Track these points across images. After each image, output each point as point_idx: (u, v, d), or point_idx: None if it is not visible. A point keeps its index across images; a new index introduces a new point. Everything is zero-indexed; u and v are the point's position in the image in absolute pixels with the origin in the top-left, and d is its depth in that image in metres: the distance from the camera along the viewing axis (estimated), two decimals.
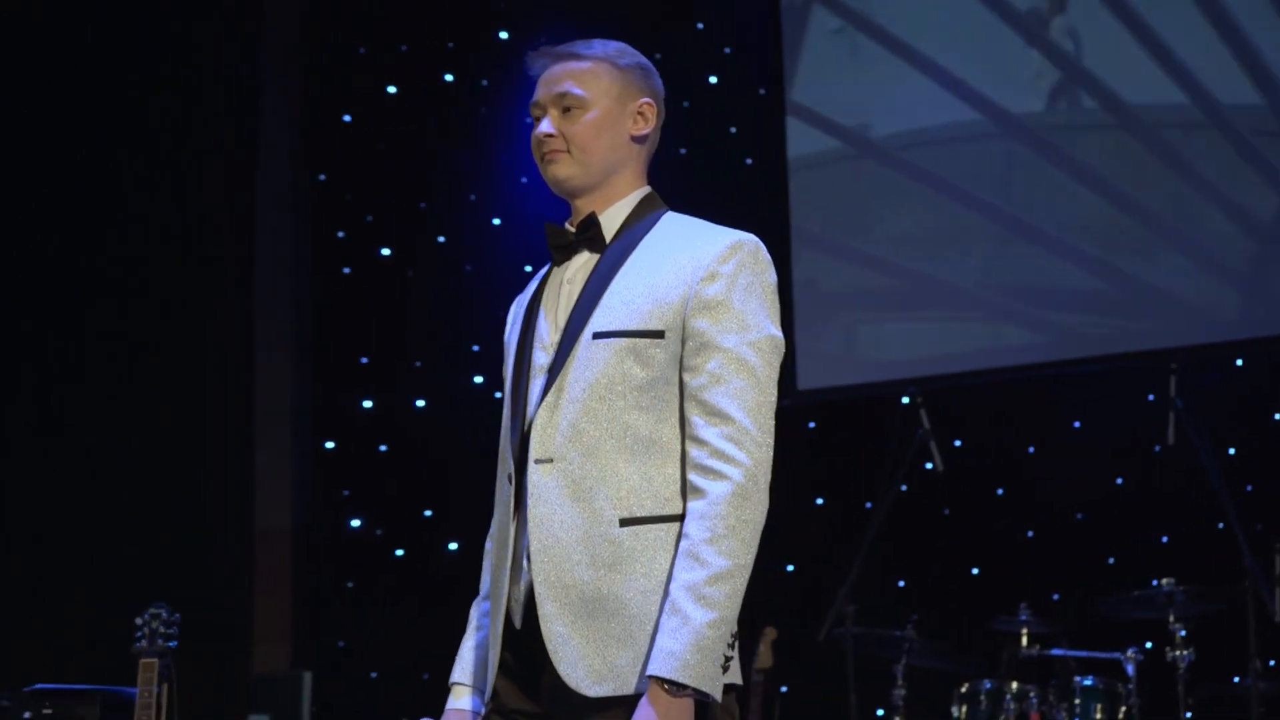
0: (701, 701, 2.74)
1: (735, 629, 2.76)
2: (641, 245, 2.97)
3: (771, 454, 2.82)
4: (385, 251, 8.35)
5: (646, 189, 3.10)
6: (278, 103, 8.38)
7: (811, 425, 7.94)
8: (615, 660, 2.79)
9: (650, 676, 2.71)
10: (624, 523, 2.82)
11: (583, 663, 2.79)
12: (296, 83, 8.52)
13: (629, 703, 2.76)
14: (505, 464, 2.96)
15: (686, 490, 2.83)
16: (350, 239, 8.38)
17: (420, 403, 8.26)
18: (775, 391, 2.87)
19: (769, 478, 2.81)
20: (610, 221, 3.03)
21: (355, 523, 8.18)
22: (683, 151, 8.20)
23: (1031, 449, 7.65)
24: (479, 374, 8.25)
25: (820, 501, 7.81)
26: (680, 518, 2.83)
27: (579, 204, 3.05)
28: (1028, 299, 7.49)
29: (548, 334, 2.98)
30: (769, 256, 2.95)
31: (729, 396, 2.81)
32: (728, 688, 2.80)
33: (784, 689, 7.51)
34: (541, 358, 2.96)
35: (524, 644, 2.89)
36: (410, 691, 8.06)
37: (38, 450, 7.22)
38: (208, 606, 7.30)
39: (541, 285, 3.08)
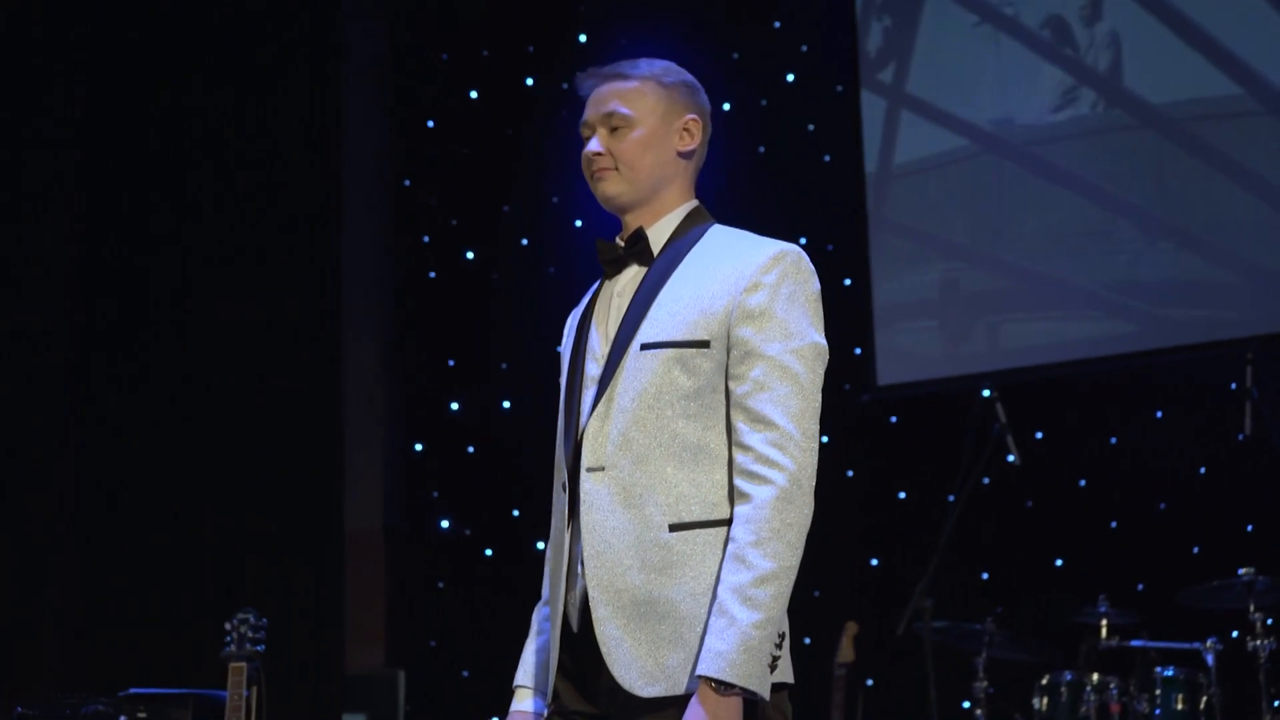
0: (751, 700, 2.82)
1: (783, 629, 2.85)
2: (688, 258, 3.05)
3: (816, 459, 2.89)
4: (469, 255, 8.46)
5: (694, 203, 3.17)
6: (364, 111, 8.50)
7: (894, 420, 7.95)
8: (666, 661, 2.88)
9: (699, 676, 2.80)
10: (673, 528, 2.90)
11: (635, 664, 2.89)
12: (382, 90, 8.64)
13: (681, 702, 2.85)
14: (560, 472, 3.06)
15: (733, 495, 2.91)
16: (435, 243, 8.50)
17: (506, 404, 8.36)
18: (819, 398, 2.94)
19: (814, 482, 2.89)
20: (658, 235, 3.11)
21: (445, 523, 8.29)
22: (761, 150, 8.25)
23: (1114, 440, 7.63)
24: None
25: (903, 495, 7.82)
26: (728, 522, 2.91)
27: (628, 219, 3.14)
28: (1108, 290, 7.48)
29: (599, 345, 3.07)
30: (811, 266, 3.01)
31: (773, 403, 2.88)
32: (778, 687, 2.89)
33: (869, 682, 7.56)
34: (593, 369, 3.06)
35: (581, 647, 2.99)
36: (502, 689, 8.12)
37: (129, 457, 7.37)
38: (300, 609, 7.45)
39: (594, 298, 3.17)
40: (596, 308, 3.14)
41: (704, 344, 2.94)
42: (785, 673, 2.91)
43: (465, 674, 8.11)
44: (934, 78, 7.97)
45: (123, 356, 7.54)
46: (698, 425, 2.93)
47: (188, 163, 7.77)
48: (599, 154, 3.09)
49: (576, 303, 8.08)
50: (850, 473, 7.94)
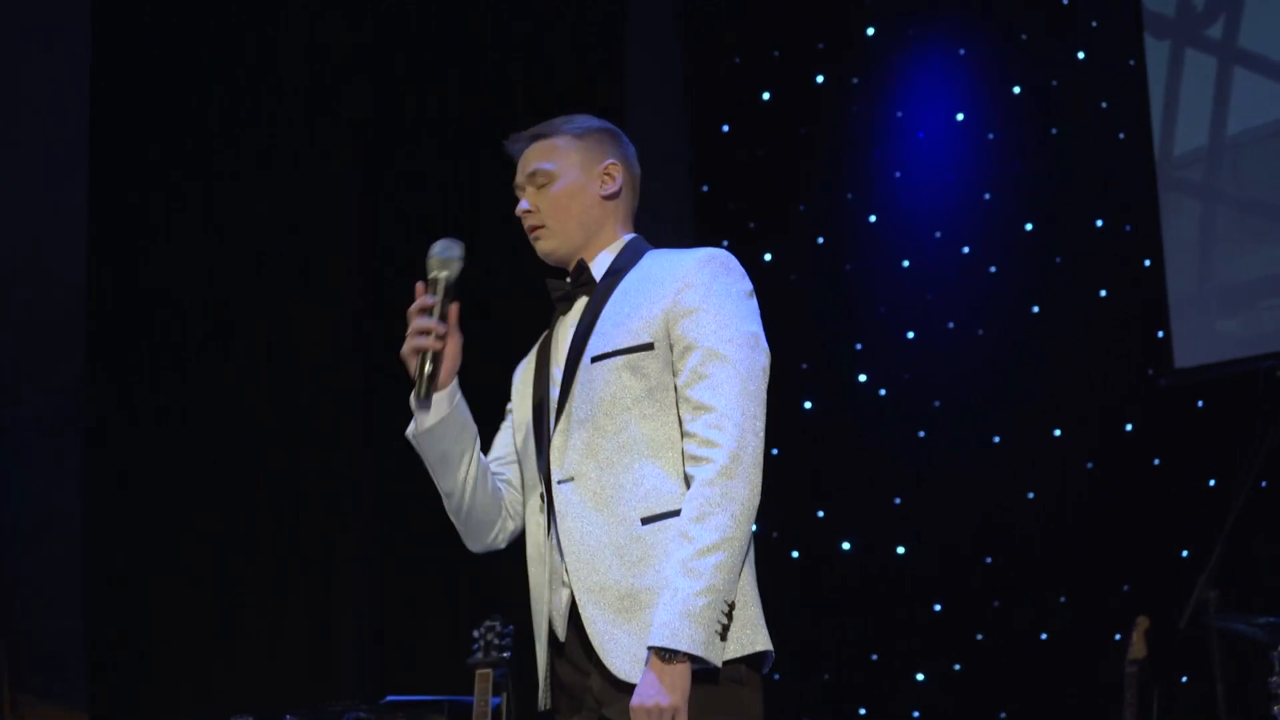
0: (707, 670, 2.93)
1: (731, 599, 2.93)
2: (627, 277, 3.22)
3: (758, 439, 3.01)
4: (768, 257, 8.44)
5: (632, 235, 3.36)
6: (660, 117, 8.57)
7: (1200, 404, 7.59)
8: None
9: (649, 648, 2.90)
10: (645, 521, 3.04)
11: (627, 654, 3.00)
12: (676, 95, 8.71)
13: None
14: (535, 488, 3.20)
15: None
16: (735, 247, 8.39)
17: (808, 404, 8.31)
18: (759, 382, 3.07)
19: (757, 461, 3.00)
20: (599, 266, 3.29)
21: (752, 527, 8.26)
22: (1054, 132, 8.00)
23: None
24: (863, 372, 8.24)
25: (1213, 484, 7.46)
26: None
27: (568, 262, 3.31)
28: None
29: (557, 369, 3.24)
30: (741, 267, 3.20)
31: (711, 388, 3.03)
32: (749, 660, 3.00)
33: (1184, 679, 7.24)
34: (554, 391, 3.20)
35: (569, 653, 3.11)
36: (812, 691, 8.12)
37: (385, 467, 7.57)
38: None
39: (549, 336, 3.33)
40: (554, 339, 3.30)
41: (648, 346, 3.10)
42: (749, 643, 2.99)
43: (776, 677, 8.03)
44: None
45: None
46: (655, 423, 3.09)
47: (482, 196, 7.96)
48: (528, 212, 3.29)
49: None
50: (1157, 460, 7.62)
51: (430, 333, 3.12)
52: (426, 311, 3.14)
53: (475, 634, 5.65)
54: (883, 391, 8.24)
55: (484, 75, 8.05)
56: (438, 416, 3.20)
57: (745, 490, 2.96)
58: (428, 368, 3.13)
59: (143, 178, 7.61)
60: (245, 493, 7.46)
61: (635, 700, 2.87)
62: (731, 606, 2.94)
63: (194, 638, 7.32)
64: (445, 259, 3.19)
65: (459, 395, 3.23)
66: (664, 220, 8.37)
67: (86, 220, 7.48)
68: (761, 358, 3.08)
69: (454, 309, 3.18)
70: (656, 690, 2.86)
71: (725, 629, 2.92)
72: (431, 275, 3.18)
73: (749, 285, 3.17)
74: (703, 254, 3.18)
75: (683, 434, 3.05)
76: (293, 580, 7.47)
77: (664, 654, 2.88)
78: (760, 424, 3.01)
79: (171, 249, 7.60)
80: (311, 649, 7.41)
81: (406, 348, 3.13)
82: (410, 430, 3.24)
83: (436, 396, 3.19)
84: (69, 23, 7.52)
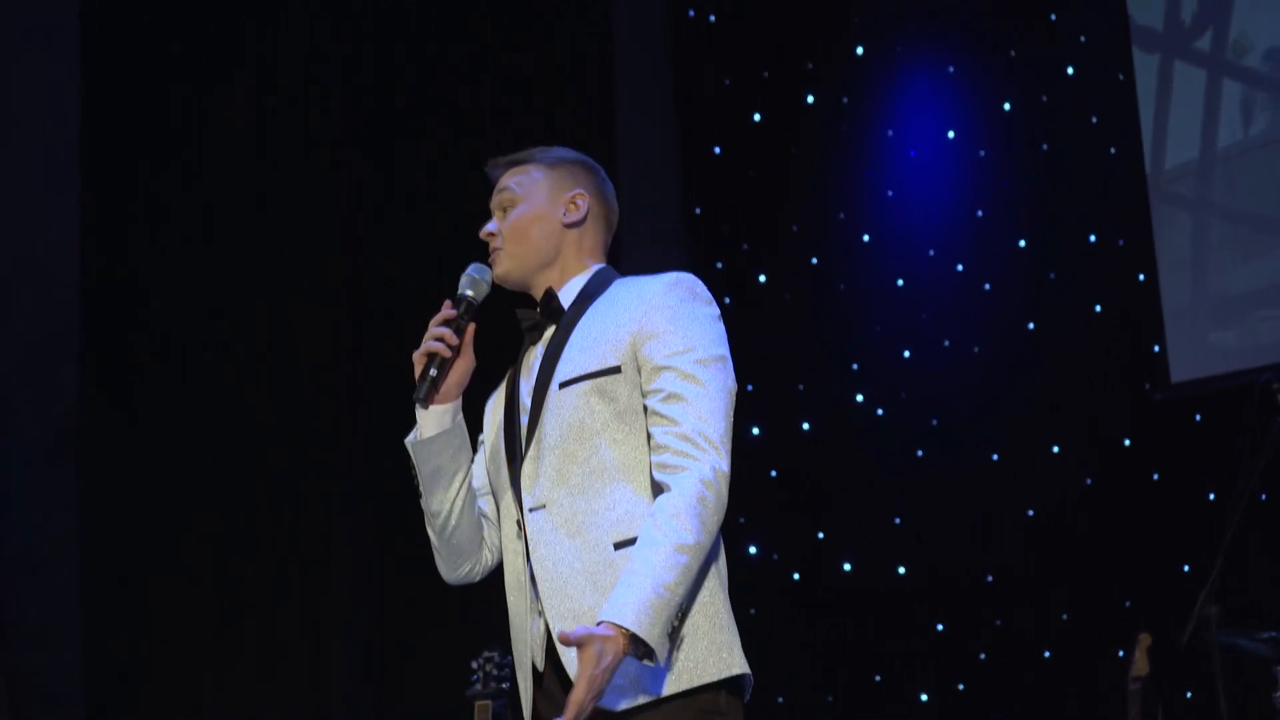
0: (687, 700, 2.93)
1: (681, 601, 2.90)
2: (595, 304, 3.23)
3: (727, 461, 3.01)
4: (762, 279, 8.43)
5: (602, 265, 3.35)
6: (648, 140, 8.56)
7: (1198, 418, 7.58)
8: (631, 671, 2.95)
9: (613, 623, 2.85)
10: (618, 546, 3.02)
11: None
12: (667, 118, 8.70)
13: (655, 706, 2.95)
14: (510, 516, 3.18)
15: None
16: (728, 269, 8.49)
17: (805, 425, 8.30)
18: (726, 401, 3.07)
19: (726, 479, 2.99)
20: (567, 295, 3.29)
21: (753, 550, 8.26)
22: (1045, 148, 8.01)
23: None
24: (860, 392, 8.23)
25: (1212, 497, 7.44)
26: None
27: (535, 289, 3.33)
28: None
29: (527, 396, 3.20)
30: (707, 291, 3.19)
31: (682, 408, 3.02)
32: (725, 687, 2.99)
33: (1188, 695, 7.22)
34: (523, 418, 3.19)
35: (546, 683, 3.09)
36: (816, 714, 8.09)
37: (383, 495, 7.54)
38: None
39: (520, 362, 3.32)
40: (523, 368, 3.30)
41: (615, 369, 3.09)
42: (725, 666, 2.99)
43: (780, 700, 8.06)
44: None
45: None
46: (625, 447, 3.07)
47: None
48: (491, 234, 3.32)
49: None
50: (1156, 475, 7.61)
51: (444, 340, 3.17)
52: (447, 323, 3.19)
53: (474, 664, 5.62)
54: (880, 411, 8.23)
55: (476, 99, 8.04)
56: (439, 428, 3.22)
57: (714, 505, 2.95)
58: (432, 371, 3.19)
59: (136, 185, 7.56)
60: (246, 508, 7.41)
61: (593, 646, 2.81)
62: (683, 610, 2.93)
63: (195, 673, 7.28)
64: (475, 279, 3.26)
65: (460, 415, 3.25)
66: (657, 243, 8.39)
67: (77, 213, 7.38)
68: (730, 381, 3.10)
69: (470, 328, 3.24)
70: (604, 665, 2.83)
71: (676, 631, 2.92)
72: (459, 293, 3.26)
73: (716, 309, 3.18)
74: (669, 278, 3.17)
75: (651, 448, 3.04)
76: (288, 608, 7.43)
77: (608, 626, 2.84)
78: (729, 446, 3.02)
79: (167, 252, 7.49)
80: (311, 674, 7.37)
81: (419, 351, 3.19)
82: (410, 438, 3.26)
83: (438, 409, 3.21)
84: (57, 26, 7.46)
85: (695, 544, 2.90)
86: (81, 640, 7.17)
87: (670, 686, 2.95)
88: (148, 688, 7.21)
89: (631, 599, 2.85)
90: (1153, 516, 7.54)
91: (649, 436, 3.05)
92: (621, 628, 2.82)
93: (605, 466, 3.06)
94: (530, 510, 3.11)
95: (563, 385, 3.12)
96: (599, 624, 2.84)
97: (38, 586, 7.12)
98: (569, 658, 2.94)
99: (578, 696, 2.80)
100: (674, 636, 2.91)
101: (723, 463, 2.99)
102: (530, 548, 3.10)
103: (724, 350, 3.12)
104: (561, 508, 3.07)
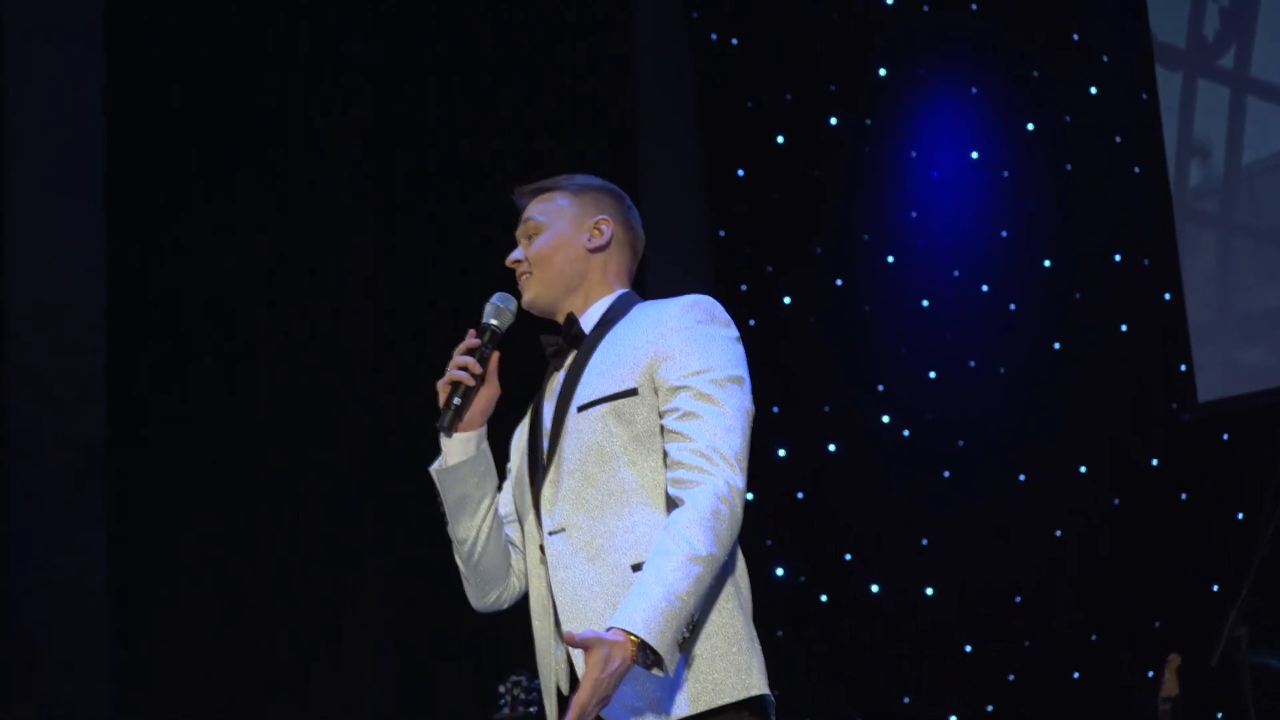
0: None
1: (693, 612, 2.88)
2: (615, 328, 3.24)
3: (743, 480, 3.00)
4: (787, 300, 8.43)
5: (625, 290, 3.36)
6: (673, 165, 8.58)
7: (1225, 437, 7.56)
8: (650, 692, 2.96)
9: (622, 630, 2.84)
10: (636, 568, 3.00)
11: (621, 704, 2.94)
12: (691, 142, 8.72)
13: None
14: (534, 540, 3.19)
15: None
16: (753, 291, 8.49)
17: (832, 447, 8.29)
18: (743, 421, 3.05)
19: (742, 496, 2.98)
20: (589, 319, 3.31)
21: (780, 571, 8.25)
22: (1069, 168, 7.99)
23: None
24: (886, 414, 8.22)
25: (1240, 517, 7.41)
26: None
27: (560, 314, 3.34)
28: None
29: (548, 421, 3.25)
30: (725, 313, 3.19)
31: (694, 423, 3.01)
32: (748, 708, 2.97)
33: (1218, 716, 7.19)
34: (544, 442, 3.21)
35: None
36: None
37: (408, 516, 7.54)
38: None
39: (545, 387, 3.33)
40: (546, 394, 3.31)
41: (633, 392, 3.10)
42: (743, 687, 2.97)
43: None
44: None
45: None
46: (643, 469, 3.08)
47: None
48: (517, 261, 3.35)
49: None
50: (1184, 495, 7.58)
51: (467, 369, 3.17)
52: (471, 352, 3.20)
53: (501, 689, 5.63)
54: (906, 432, 8.22)
55: (500, 125, 8.06)
56: (463, 455, 3.22)
57: (729, 519, 2.94)
58: (456, 400, 3.19)
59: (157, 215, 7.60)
60: (276, 534, 7.42)
61: (600, 650, 2.81)
62: (693, 619, 2.91)
63: (226, 698, 7.28)
64: (500, 308, 3.27)
65: (485, 443, 3.25)
66: (681, 266, 8.40)
67: (103, 243, 7.40)
68: (747, 402, 3.07)
69: (494, 357, 3.23)
70: (611, 670, 2.81)
71: (685, 640, 2.90)
72: (484, 322, 3.26)
73: (735, 331, 3.17)
74: (686, 300, 3.17)
75: (667, 465, 3.03)
76: (317, 638, 7.43)
77: (617, 631, 2.83)
78: (745, 464, 3.01)
79: (190, 276, 7.51)
80: (342, 701, 7.38)
81: (442, 380, 3.19)
82: (435, 465, 3.26)
83: (462, 436, 3.21)
84: (79, 42, 7.47)
85: (708, 555, 2.89)
86: (109, 665, 7.19)
87: (690, 707, 2.94)
88: (177, 713, 7.21)
89: (642, 606, 2.84)
90: (1181, 536, 7.51)
91: (665, 455, 3.05)
92: (630, 634, 2.82)
93: (624, 489, 3.06)
94: (550, 534, 3.12)
95: (581, 409, 3.13)
96: (608, 629, 2.84)
97: (66, 614, 7.14)
98: None
99: (581, 699, 2.80)
100: (684, 647, 2.89)
101: (738, 479, 2.98)
102: (551, 571, 3.10)
103: (742, 371, 3.11)
104: (581, 531, 3.08)
